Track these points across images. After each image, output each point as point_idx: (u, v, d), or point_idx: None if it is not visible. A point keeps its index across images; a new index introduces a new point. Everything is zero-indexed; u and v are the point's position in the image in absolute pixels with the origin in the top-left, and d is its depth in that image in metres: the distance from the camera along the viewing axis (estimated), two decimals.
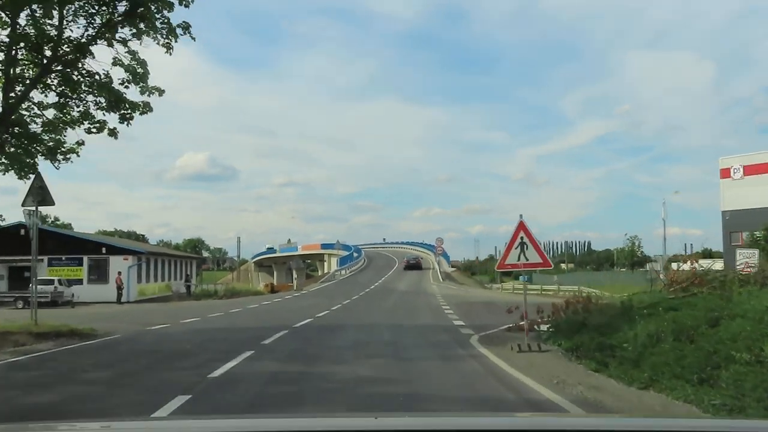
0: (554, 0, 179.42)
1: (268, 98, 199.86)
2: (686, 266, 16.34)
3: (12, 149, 16.45)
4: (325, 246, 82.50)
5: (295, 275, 45.08)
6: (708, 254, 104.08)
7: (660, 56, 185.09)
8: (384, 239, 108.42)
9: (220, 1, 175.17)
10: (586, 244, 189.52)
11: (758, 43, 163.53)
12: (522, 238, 12.35)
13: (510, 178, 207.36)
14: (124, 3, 15.66)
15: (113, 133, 18.00)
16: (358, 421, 2.47)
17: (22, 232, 28.82)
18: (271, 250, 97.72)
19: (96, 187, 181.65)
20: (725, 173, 72.18)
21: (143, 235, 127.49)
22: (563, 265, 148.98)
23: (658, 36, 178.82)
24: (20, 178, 16.55)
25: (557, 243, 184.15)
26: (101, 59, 16.74)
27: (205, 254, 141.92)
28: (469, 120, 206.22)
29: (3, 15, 15.36)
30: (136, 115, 17.73)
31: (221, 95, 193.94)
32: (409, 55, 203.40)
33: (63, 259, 43.84)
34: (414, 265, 62.77)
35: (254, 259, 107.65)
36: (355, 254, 74.23)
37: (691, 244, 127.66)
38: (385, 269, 65.09)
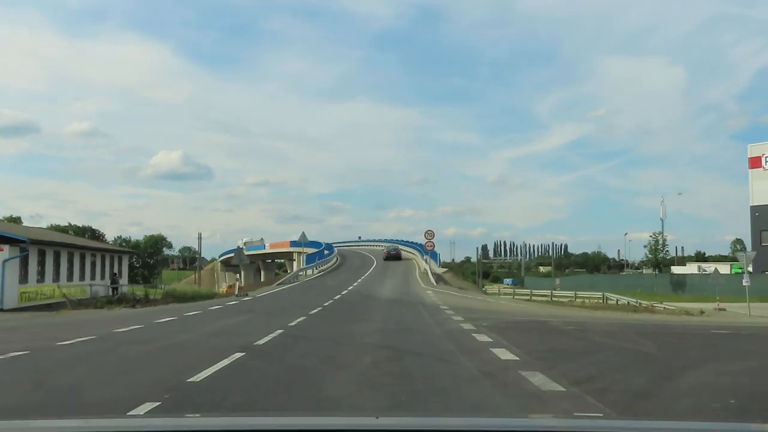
0: (530, 4, 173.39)
1: (243, 97, 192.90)
2: None
3: None
4: (294, 244, 68.92)
5: (238, 275, 31.08)
6: (702, 257, 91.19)
7: (633, 61, 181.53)
8: (359, 237, 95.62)
9: None
10: (563, 246, 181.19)
11: (729, 50, 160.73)
12: None
13: (484, 180, 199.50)
14: None
15: None
16: (360, 421, 2.34)
17: None
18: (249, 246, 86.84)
19: (68, 185, 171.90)
20: (755, 162, 59.65)
21: (97, 230, 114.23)
22: (542, 268, 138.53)
23: (631, 41, 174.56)
24: None
25: (532, 245, 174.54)
26: None
27: (168, 252, 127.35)
28: (444, 122, 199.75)
29: None
30: None
31: (196, 93, 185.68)
32: (384, 55, 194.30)
33: None
34: (394, 256, 58.67)
35: (221, 258, 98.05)
36: (326, 252, 60.56)
37: (683, 247, 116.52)
38: (362, 269, 51.56)
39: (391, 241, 77.02)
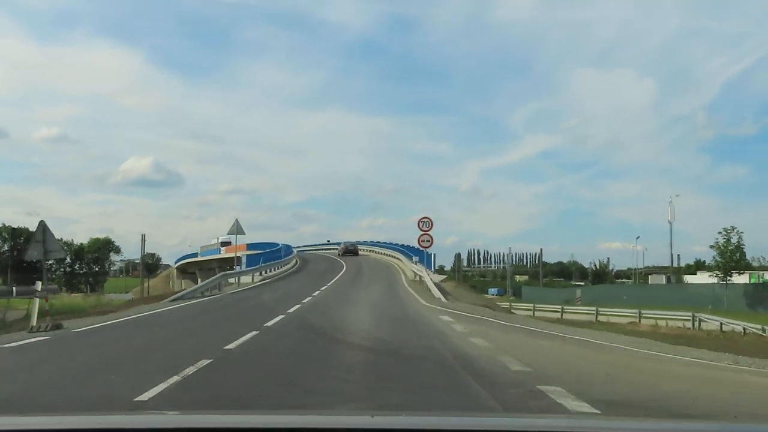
0: (504, 15, 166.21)
1: (215, 105, 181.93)
2: None
3: None
4: (251, 246, 52.25)
5: (38, 287, 13.73)
6: (702, 265, 75.63)
7: (605, 73, 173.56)
8: (328, 240, 78.67)
9: (169, 5, 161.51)
10: (537, 255, 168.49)
11: (699, 63, 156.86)
12: None
13: (457, 190, 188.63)
14: None
15: None
16: (355, 420, 2.16)
17: None
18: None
19: (37, 190, 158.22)
20: None
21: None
22: (518, 277, 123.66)
23: (602, 54, 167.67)
24: None
25: (506, 255, 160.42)
26: None
27: (116, 258, 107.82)
28: (417, 131, 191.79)
29: None
30: None
31: (168, 100, 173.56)
32: (357, 65, 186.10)
33: None
34: (352, 251, 55.45)
35: (177, 264, 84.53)
36: (280, 253, 43.64)
37: (678, 255, 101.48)
38: (328, 275, 34.92)
39: (371, 243, 60.56)
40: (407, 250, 43.40)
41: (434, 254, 33.88)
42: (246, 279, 31.86)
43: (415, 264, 34.88)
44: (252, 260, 35.38)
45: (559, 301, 54.97)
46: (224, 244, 71.18)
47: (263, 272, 35.84)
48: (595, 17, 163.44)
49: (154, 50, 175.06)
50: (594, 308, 33.79)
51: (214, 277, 26.37)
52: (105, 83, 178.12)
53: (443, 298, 21.81)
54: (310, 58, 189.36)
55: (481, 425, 2.14)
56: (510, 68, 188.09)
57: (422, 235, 30.15)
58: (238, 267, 35.47)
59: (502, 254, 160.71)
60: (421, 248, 31.89)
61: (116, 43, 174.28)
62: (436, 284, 26.66)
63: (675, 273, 73.95)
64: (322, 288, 26.34)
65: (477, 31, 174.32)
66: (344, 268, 40.90)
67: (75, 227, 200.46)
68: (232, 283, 30.08)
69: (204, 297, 23.14)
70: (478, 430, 2.05)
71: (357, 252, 55.40)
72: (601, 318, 32.22)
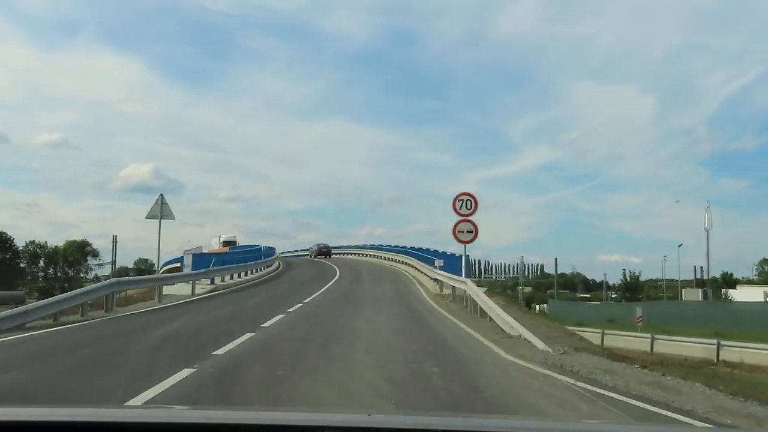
0: (505, 28, 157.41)
1: (216, 113, 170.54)
2: None
3: None
4: (235, 249, 41.14)
5: None
6: (729, 280, 68.47)
7: (606, 87, 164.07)
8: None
9: (171, 14, 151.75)
10: (539, 267, 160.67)
11: (699, 78, 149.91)
12: None
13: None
14: None
15: None
16: (351, 418, 2.00)
17: None
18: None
19: (36, 195, 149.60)
20: None
21: (4, 233, 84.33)
22: (522, 288, 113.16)
23: (604, 67, 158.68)
24: None
25: (509, 265, 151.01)
26: None
27: (94, 262, 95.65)
28: (417, 142, 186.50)
29: None
30: None
31: (168, 108, 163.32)
32: (359, 75, 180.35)
33: None
34: (325, 252, 51.42)
35: (163, 269, 74.36)
36: (251, 255, 31.78)
37: (701, 267, 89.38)
38: (313, 284, 23.27)
39: (369, 246, 49.00)
40: (422, 252, 31.60)
41: (468, 256, 21.21)
42: (184, 289, 19.98)
43: (438, 270, 23.02)
44: (199, 262, 23.37)
45: (600, 318, 43.06)
46: (227, 244, 61.20)
47: (219, 279, 23.90)
48: (595, 31, 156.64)
49: (155, 58, 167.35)
50: (712, 341, 21.62)
51: (92, 286, 14.26)
52: (106, 90, 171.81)
53: (539, 342, 9.79)
54: (311, 68, 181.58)
55: (479, 426, 1.95)
56: (511, 80, 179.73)
57: (461, 221, 17.54)
58: (185, 269, 23.77)
59: (503, 264, 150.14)
60: (458, 244, 18.92)
61: (117, 51, 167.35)
62: (483, 303, 14.65)
63: (711, 287, 62.36)
64: (292, 309, 14.35)
65: (478, 43, 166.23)
66: (337, 275, 28.98)
67: (74, 232, 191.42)
68: (168, 295, 18.25)
69: (54, 325, 11.23)
70: (476, 431, 1.88)
71: (330, 253, 51.60)
72: (724, 353, 20.36)
